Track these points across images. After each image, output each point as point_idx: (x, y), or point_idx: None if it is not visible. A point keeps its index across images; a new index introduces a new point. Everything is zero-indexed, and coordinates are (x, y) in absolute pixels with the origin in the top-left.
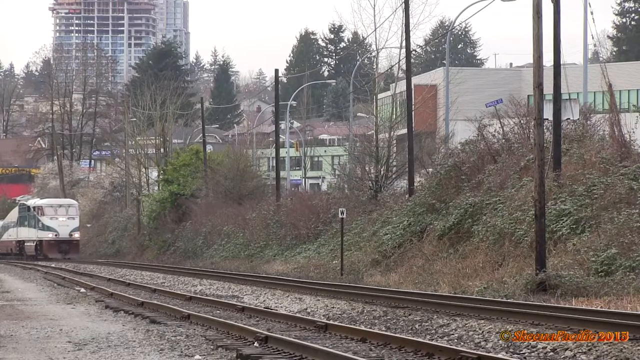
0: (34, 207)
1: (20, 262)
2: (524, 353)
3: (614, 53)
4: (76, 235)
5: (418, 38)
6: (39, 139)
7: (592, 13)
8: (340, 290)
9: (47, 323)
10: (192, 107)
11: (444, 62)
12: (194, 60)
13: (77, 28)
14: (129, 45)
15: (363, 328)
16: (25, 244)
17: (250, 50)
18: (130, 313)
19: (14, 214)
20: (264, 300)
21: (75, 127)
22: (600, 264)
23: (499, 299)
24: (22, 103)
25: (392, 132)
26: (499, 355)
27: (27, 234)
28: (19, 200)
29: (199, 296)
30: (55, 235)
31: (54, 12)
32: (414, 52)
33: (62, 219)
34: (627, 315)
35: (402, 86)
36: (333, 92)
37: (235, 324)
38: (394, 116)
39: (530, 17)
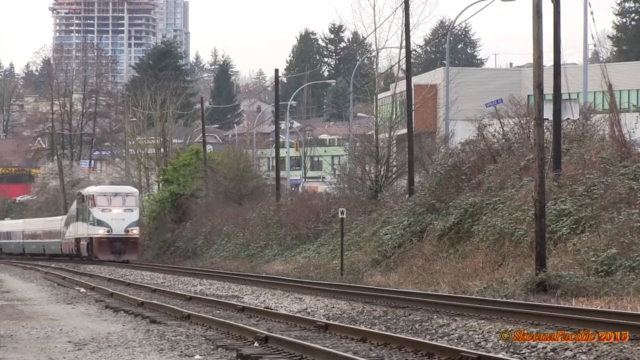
0: (86, 197)
1: (20, 262)
2: (524, 353)
3: (614, 53)
4: (134, 231)
5: (418, 38)
6: (39, 139)
7: (592, 13)
8: (340, 290)
9: (47, 323)
10: (192, 107)
11: (444, 62)
12: (194, 60)
13: (77, 28)
14: (129, 45)
15: (363, 328)
16: (81, 242)
17: (251, 50)
18: (130, 313)
19: (74, 207)
20: (264, 300)
21: (75, 127)
22: (600, 264)
23: (499, 299)
24: (22, 103)
25: (392, 132)
26: (499, 355)
27: (82, 230)
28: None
29: (199, 296)
30: (108, 231)
31: (54, 12)
32: (414, 52)
33: (117, 211)
34: (627, 315)
35: (402, 86)
36: (333, 92)
37: (235, 323)
38: (394, 116)
39: (530, 17)
